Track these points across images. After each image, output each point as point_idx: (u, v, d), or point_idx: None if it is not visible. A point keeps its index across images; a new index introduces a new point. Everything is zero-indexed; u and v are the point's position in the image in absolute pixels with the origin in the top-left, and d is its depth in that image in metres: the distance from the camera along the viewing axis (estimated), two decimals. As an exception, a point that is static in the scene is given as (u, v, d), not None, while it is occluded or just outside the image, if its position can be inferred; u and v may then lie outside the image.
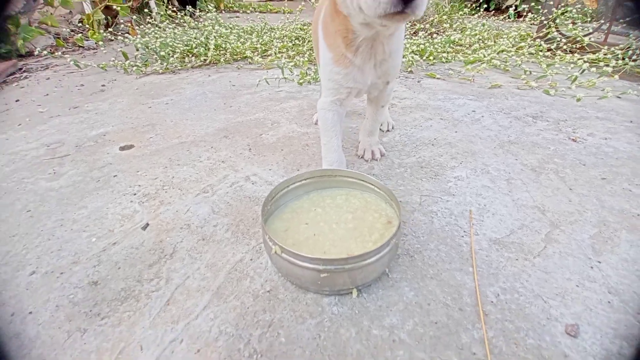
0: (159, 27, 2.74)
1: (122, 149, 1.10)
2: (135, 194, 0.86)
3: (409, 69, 1.95)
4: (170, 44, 2.16)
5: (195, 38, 2.30)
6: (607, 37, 2.36)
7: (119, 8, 3.00)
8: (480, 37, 2.63)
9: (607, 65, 1.98)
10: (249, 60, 2.12)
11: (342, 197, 0.74)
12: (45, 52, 2.31)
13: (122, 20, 3.26)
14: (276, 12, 5.20)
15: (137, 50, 2.22)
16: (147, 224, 0.75)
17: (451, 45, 2.33)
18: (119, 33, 3.07)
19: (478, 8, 4.79)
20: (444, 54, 2.17)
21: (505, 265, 0.66)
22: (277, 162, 1.00)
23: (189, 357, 0.50)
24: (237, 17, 4.66)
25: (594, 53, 2.25)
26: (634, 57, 2.11)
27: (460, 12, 3.53)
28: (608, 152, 1.10)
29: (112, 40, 2.91)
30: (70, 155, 1.08)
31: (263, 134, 1.19)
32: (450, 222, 0.77)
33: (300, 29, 2.75)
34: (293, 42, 2.38)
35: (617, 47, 2.25)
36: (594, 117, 1.38)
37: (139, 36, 2.86)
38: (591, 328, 0.54)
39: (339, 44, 0.74)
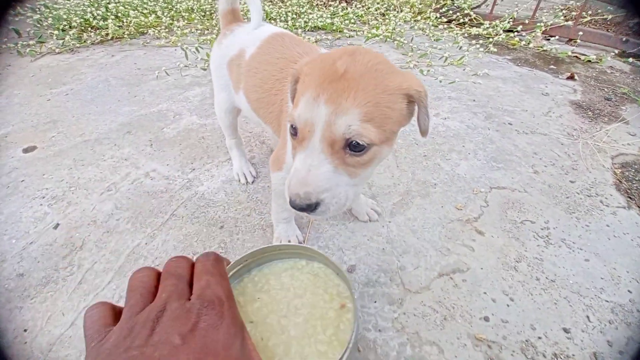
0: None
1: (25, 151, 1.19)
2: (44, 197, 1.02)
3: (313, 47, 2.12)
4: (65, 16, 2.03)
5: (91, 5, 2.16)
6: (493, 10, 2.70)
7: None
8: (389, 5, 2.82)
9: (487, 39, 2.35)
10: (156, 34, 2.10)
11: (287, 272, 0.61)
12: None
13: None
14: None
15: (32, 19, 2.05)
16: (58, 224, 0.94)
17: (355, 18, 2.50)
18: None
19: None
20: (350, 28, 2.35)
21: (328, 231, 0.98)
22: (175, 157, 1.19)
23: (99, 316, 0.76)
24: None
25: (478, 27, 2.60)
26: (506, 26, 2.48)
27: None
28: (440, 131, 1.46)
29: None
30: (-27, 160, 1.15)
31: (165, 128, 1.34)
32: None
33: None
34: (203, 14, 2.36)
35: (500, 20, 2.61)
36: (447, 97, 1.74)
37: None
38: (364, 266, 0.90)
39: None
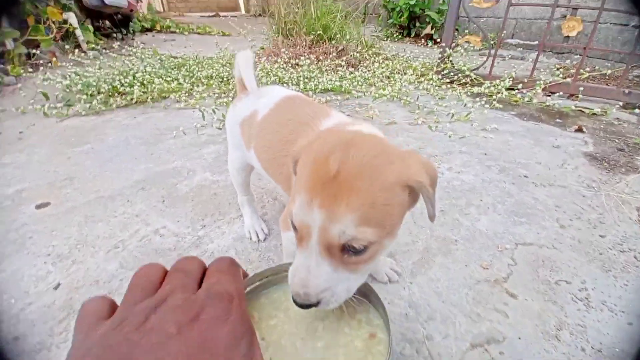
0: (82, 63, 2.74)
1: (38, 207, 1.20)
2: (49, 255, 0.98)
3: (323, 106, 2.22)
4: (94, 83, 2.21)
5: (120, 74, 2.36)
6: (492, 71, 2.86)
7: (40, 40, 2.94)
8: (393, 69, 3.02)
9: (490, 97, 2.45)
10: (177, 98, 2.25)
11: None
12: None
13: (44, 50, 3.17)
14: (215, 34, 5.32)
15: (61, 84, 2.23)
16: (59, 284, 0.89)
17: (363, 80, 2.67)
18: (41, 63, 2.99)
19: (402, 34, 5.34)
20: (358, 89, 2.49)
21: (345, 292, 0.90)
22: (186, 213, 1.18)
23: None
24: (173, 40, 4.70)
25: (479, 86, 2.73)
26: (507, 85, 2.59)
27: (385, 40, 3.95)
28: (455, 185, 1.43)
29: (32, 71, 2.84)
30: (-14, 216, 1.15)
31: (178, 184, 1.35)
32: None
33: (230, 63, 2.93)
34: (221, 80, 2.55)
35: (499, 79, 2.75)
36: (458, 151, 1.75)
37: (62, 66, 2.82)
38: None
39: None
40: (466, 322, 0.85)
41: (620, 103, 2.35)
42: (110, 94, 2.22)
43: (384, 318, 0.47)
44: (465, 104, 2.34)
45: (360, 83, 2.57)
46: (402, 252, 1.06)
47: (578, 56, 3.65)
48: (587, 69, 2.89)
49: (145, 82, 2.31)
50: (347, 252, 0.45)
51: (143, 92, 2.24)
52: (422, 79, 2.81)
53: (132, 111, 2.09)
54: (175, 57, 3.21)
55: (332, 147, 0.46)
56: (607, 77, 2.98)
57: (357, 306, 0.49)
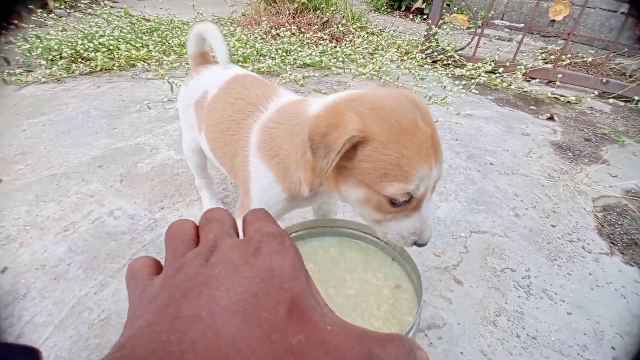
0: (46, 24, 2.52)
1: (-13, 184, 1.14)
2: (-5, 237, 0.95)
3: (300, 83, 2.15)
4: (56, 47, 2.05)
5: (85, 37, 2.19)
6: (475, 52, 2.81)
7: None
8: (377, 45, 2.93)
9: (471, 79, 2.42)
10: (145, 67, 2.12)
11: (336, 248, 0.60)
12: None
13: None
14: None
15: (21, 48, 2.06)
16: (6, 267, 0.87)
17: (344, 56, 2.58)
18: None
19: (392, 7, 5.13)
20: (338, 65, 2.41)
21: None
22: (144, 194, 1.15)
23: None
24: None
25: (462, 67, 2.69)
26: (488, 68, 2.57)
27: (374, 12, 3.79)
28: (421, 172, 1.45)
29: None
30: None
31: (139, 162, 1.31)
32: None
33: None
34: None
35: (482, 62, 2.71)
36: (430, 136, 1.74)
37: (23, 27, 2.61)
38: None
39: (302, 189, 0.60)
40: (411, 308, 0.89)
41: (596, 92, 2.37)
42: (73, 59, 2.08)
43: (411, 273, 0.51)
44: (445, 86, 2.31)
45: (341, 59, 2.49)
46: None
47: (564, 41, 3.62)
48: (569, 55, 2.88)
49: (111, 47, 2.16)
50: None
51: (109, 58, 2.10)
52: (406, 57, 2.75)
53: (96, 79, 1.97)
54: (148, 20, 3.00)
55: (406, 109, 0.50)
56: (588, 65, 2.98)
57: (382, 262, 0.55)
